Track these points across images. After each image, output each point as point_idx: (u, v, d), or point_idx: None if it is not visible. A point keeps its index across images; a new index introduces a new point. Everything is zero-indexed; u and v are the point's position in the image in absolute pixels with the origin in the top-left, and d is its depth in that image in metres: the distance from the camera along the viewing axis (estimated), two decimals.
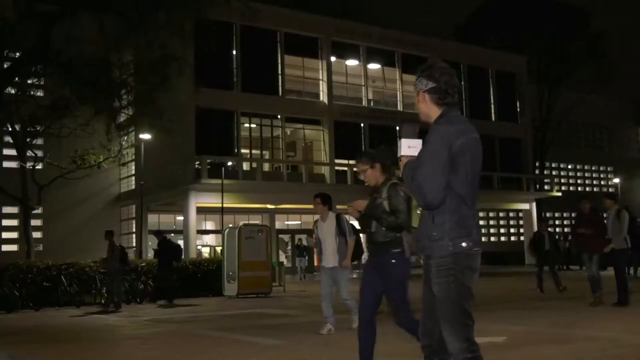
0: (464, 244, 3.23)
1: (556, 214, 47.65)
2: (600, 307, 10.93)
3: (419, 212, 4.62)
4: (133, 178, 31.87)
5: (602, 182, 52.16)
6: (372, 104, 36.75)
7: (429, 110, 3.38)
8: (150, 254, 28.99)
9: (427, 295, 3.39)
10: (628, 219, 11.49)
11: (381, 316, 5.30)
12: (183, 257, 19.26)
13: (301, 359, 6.96)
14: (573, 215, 48.91)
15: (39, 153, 26.70)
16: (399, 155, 3.32)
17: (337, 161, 34.18)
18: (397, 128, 34.80)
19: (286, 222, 35.60)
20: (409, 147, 3.28)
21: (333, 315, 8.73)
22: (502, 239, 44.70)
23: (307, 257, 29.03)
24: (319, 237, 9.13)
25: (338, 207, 35.50)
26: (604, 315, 10.08)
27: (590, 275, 11.49)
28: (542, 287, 15.45)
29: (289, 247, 32.00)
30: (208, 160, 29.13)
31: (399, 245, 5.03)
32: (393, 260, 5.02)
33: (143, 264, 17.77)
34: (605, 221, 11.68)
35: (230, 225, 21.59)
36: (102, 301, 15.67)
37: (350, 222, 8.76)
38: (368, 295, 5.14)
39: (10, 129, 24.10)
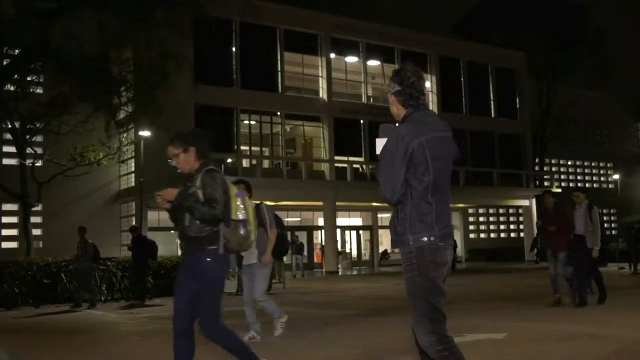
0: (424, 239, 3.36)
1: None
2: (559, 307, 10.54)
3: (240, 203, 4.55)
4: (133, 175, 31.82)
5: (602, 178, 52.19)
6: (371, 101, 36.71)
7: (398, 111, 3.66)
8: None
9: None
10: (597, 215, 10.99)
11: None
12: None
13: (299, 356, 6.95)
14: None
15: (39, 150, 26.66)
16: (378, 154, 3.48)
17: (336, 158, 34.17)
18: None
19: (286, 219, 35.57)
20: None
21: (258, 321, 7.92)
22: (502, 235, 44.73)
23: (302, 255, 29.01)
24: None
25: (338, 204, 35.34)
26: (605, 311, 10.08)
27: (551, 273, 10.94)
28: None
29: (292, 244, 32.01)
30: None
31: (216, 240, 4.46)
32: (208, 259, 4.43)
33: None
34: (569, 215, 11.03)
35: None
36: (102, 298, 15.67)
37: (275, 212, 8.30)
38: (183, 301, 4.52)
39: (9, 126, 24.09)
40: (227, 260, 4.56)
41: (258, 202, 7.92)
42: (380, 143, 3.45)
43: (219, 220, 4.42)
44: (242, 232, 4.57)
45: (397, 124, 3.55)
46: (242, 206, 4.61)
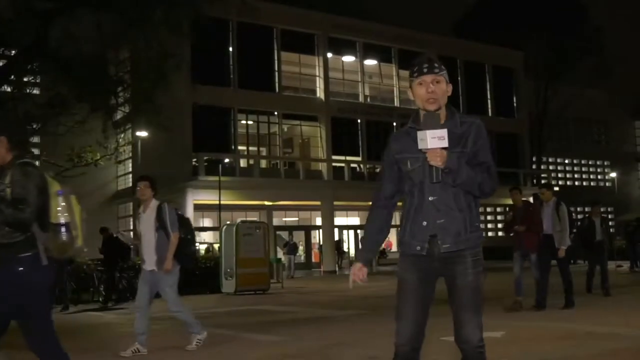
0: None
1: None
2: (520, 311, 9.99)
3: (62, 203, 3.85)
4: (130, 176, 31.81)
5: (599, 177, 52.24)
6: (368, 100, 36.72)
7: (445, 98, 3.27)
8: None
9: (422, 294, 3.28)
10: (566, 213, 10.40)
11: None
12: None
13: (299, 355, 6.95)
14: (571, 209, 49.02)
15: (36, 151, 26.61)
16: (422, 149, 3.08)
17: (334, 157, 34.18)
18: (394, 124, 34.78)
19: (284, 219, 35.60)
20: (434, 138, 3.03)
21: (146, 332, 7.22)
22: (500, 233, 44.74)
23: (295, 255, 28.79)
24: (139, 231, 7.44)
25: (335, 203, 35.32)
26: (603, 309, 10.10)
27: (516, 275, 10.42)
28: (590, 287, 12.82)
29: (285, 244, 32.09)
30: (205, 158, 29.10)
31: (31, 247, 3.79)
32: (21, 268, 3.75)
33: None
34: (538, 214, 10.40)
35: (228, 222, 21.58)
36: (100, 299, 15.66)
37: (179, 213, 7.69)
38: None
39: None
40: (47, 268, 3.87)
41: (160, 201, 7.29)
42: (430, 135, 3.02)
43: (27, 224, 3.73)
44: (63, 237, 3.94)
45: (436, 113, 3.20)
46: (63, 207, 4.00)
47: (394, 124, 34.91)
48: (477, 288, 3.24)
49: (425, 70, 3.21)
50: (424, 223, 3.21)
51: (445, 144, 3.03)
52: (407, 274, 3.28)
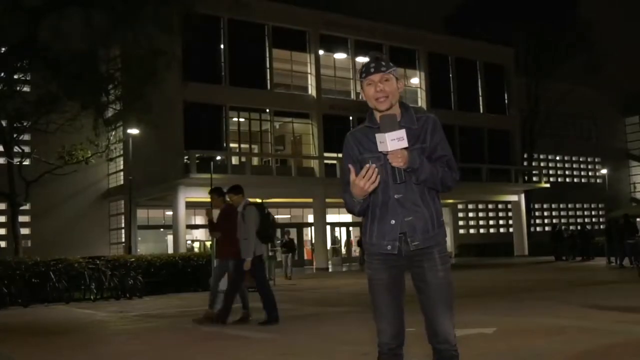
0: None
1: (545, 206, 47.93)
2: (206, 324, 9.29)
3: None
4: (121, 173, 31.71)
5: (590, 173, 52.49)
6: (360, 97, 36.52)
7: (396, 96, 3.26)
8: (140, 250, 28.92)
9: (396, 291, 3.25)
10: (256, 217, 9.07)
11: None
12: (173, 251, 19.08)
13: (292, 353, 6.95)
14: (562, 206, 49.34)
15: (26, 149, 26.50)
16: (383, 151, 3.06)
17: (326, 154, 34.19)
18: None
19: (276, 216, 35.36)
20: (393, 140, 3.02)
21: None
22: (491, 230, 44.91)
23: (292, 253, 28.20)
24: None
25: (327, 200, 35.35)
26: (594, 305, 10.14)
27: (211, 285, 9.81)
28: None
29: (278, 242, 32.04)
30: (197, 155, 29.03)
31: None
32: None
33: (132, 260, 17.67)
34: (234, 218, 9.33)
35: None
36: (92, 297, 15.61)
37: None
38: None
39: None
40: None
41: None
42: (389, 137, 3.01)
43: None
44: None
45: (396, 114, 3.19)
46: None
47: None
48: (449, 284, 3.22)
49: (372, 70, 3.21)
50: (392, 222, 3.18)
51: (405, 144, 3.02)
52: (379, 274, 3.24)
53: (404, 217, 3.17)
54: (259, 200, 10.12)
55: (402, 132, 3.03)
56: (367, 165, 3.03)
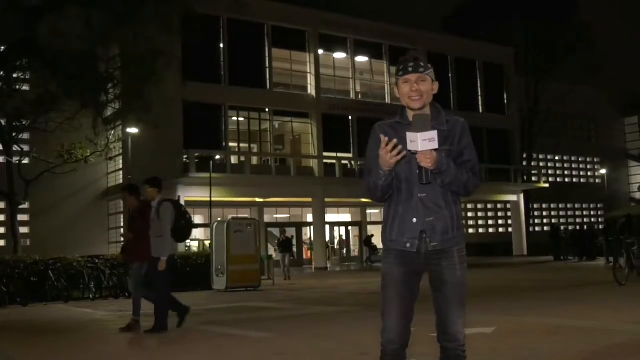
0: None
1: (544, 205, 47.94)
2: (132, 332, 8.79)
3: None
4: (120, 172, 31.70)
5: (589, 173, 52.50)
6: (359, 97, 36.73)
7: (430, 96, 3.31)
8: None
9: (408, 290, 3.25)
10: (172, 214, 8.52)
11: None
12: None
13: (290, 352, 6.95)
14: (561, 206, 49.34)
15: (26, 148, 26.46)
16: (413, 150, 3.06)
17: (325, 154, 34.18)
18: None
19: (275, 216, 35.62)
20: (425, 140, 3.02)
21: None
22: (491, 230, 44.92)
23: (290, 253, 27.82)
24: None
25: (326, 200, 35.43)
26: (593, 305, 10.14)
27: (132, 291, 9.41)
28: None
29: (277, 241, 32.16)
30: (196, 154, 29.05)
31: None
32: None
33: None
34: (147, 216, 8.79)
35: (219, 219, 21.53)
36: (90, 296, 15.59)
37: None
38: None
39: None
40: None
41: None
42: (421, 137, 3.02)
43: None
44: None
45: (429, 114, 3.22)
46: None
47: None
48: (465, 284, 3.25)
49: (410, 69, 3.24)
50: (414, 220, 3.21)
51: (435, 145, 3.04)
52: (393, 269, 3.26)
53: (425, 217, 3.19)
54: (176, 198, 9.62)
55: (434, 133, 3.05)
56: (386, 139, 3.06)
